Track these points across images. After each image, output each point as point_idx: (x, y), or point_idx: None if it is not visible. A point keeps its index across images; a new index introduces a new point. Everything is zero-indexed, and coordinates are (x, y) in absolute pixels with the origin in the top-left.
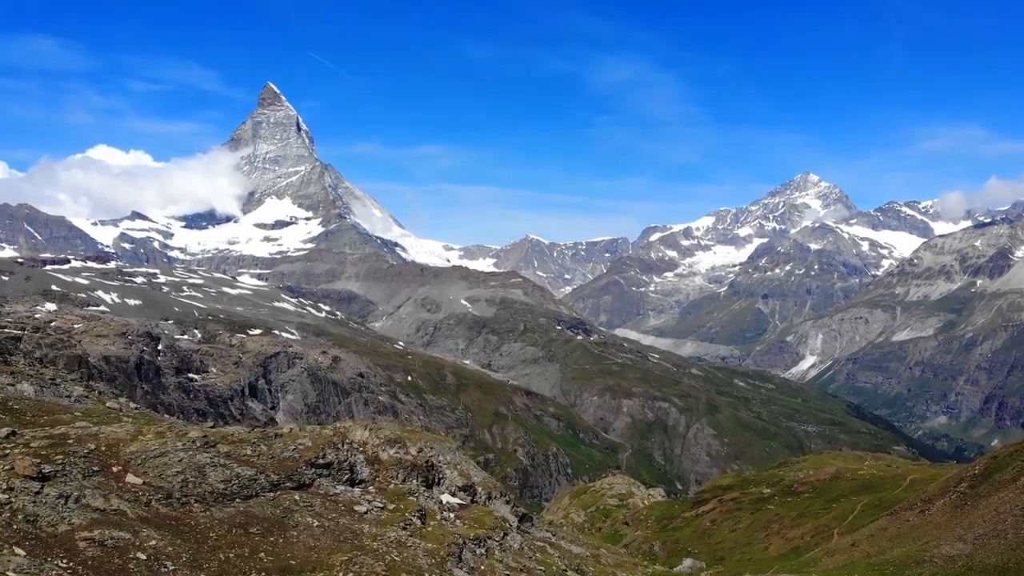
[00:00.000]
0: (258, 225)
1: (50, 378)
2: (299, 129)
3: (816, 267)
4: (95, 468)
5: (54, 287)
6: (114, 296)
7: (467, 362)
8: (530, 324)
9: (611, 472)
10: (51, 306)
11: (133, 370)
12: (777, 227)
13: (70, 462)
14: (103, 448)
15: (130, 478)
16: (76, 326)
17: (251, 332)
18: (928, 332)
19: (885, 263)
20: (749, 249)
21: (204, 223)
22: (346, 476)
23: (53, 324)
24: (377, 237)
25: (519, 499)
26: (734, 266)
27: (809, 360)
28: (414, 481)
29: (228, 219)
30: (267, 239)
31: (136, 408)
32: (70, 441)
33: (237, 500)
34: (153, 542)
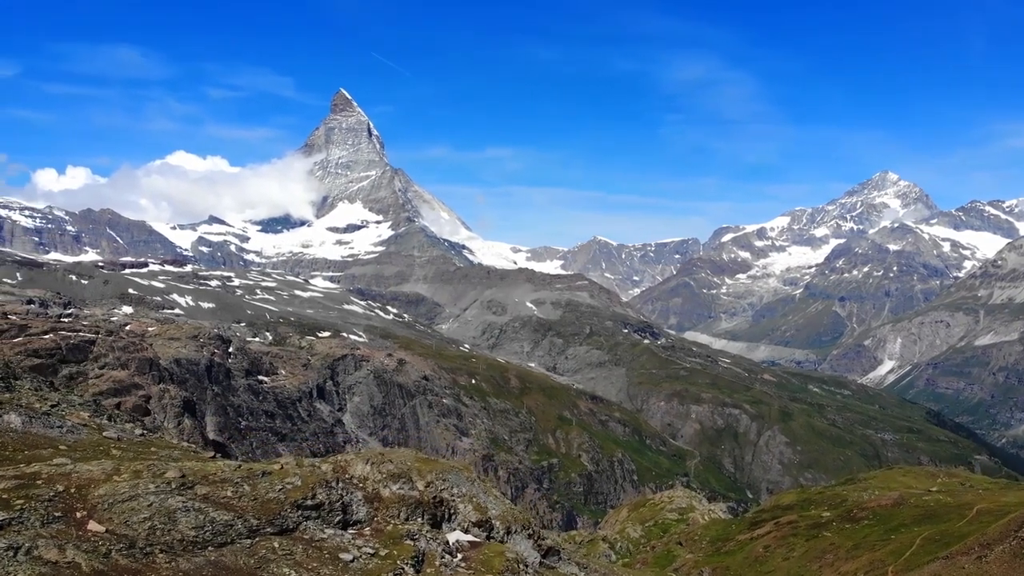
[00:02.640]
0: (331, 229)
1: (52, 404)
2: (370, 134)
3: (895, 269)
4: (57, 514)
5: (131, 290)
6: (188, 299)
7: (532, 365)
8: (596, 327)
9: (678, 479)
10: (127, 309)
11: (203, 372)
12: (855, 227)
13: (31, 507)
14: (72, 490)
15: (92, 525)
16: (150, 329)
17: (320, 335)
18: (1013, 336)
19: (967, 264)
20: (825, 250)
21: (279, 227)
22: (338, 518)
23: (127, 327)
24: (445, 240)
25: (584, 505)
26: (810, 267)
27: (887, 365)
28: (419, 520)
29: (302, 223)
30: (339, 242)
31: (142, 435)
32: (39, 482)
33: (209, 549)
34: None
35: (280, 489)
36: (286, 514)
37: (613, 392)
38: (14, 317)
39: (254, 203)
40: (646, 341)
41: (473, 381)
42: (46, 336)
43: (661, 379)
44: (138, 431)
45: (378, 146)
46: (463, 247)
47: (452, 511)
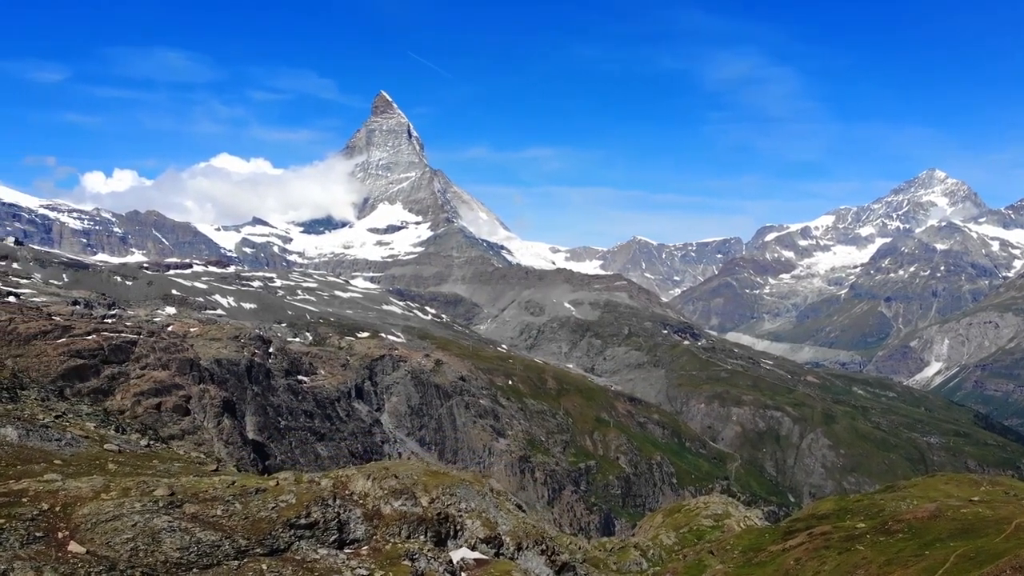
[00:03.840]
0: (371, 230)
1: (57, 415)
2: (410, 136)
3: (942, 268)
4: (38, 534)
5: (174, 291)
6: (231, 300)
7: (570, 366)
8: (635, 328)
9: (718, 483)
10: (171, 310)
11: (244, 372)
12: (901, 226)
13: (12, 527)
14: (57, 509)
15: (73, 546)
16: (192, 330)
17: (359, 335)
18: None
19: (1017, 264)
20: (871, 249)
21: (321, 228)
22: (333, 537)
23: (170, 328)
24: (483, 240)
25: (621, 507)
26: (855, 267)
27: (934, 367)
28: (421, 537)
29: (343, 224)
30: (379, 243)
31: (147, 446)
32: (25, 500)
33: (193, 571)
34: None
35: (273, 507)
36: (277, 533)
37: (652, 394)
38: (58, 318)
39: (297, 205)
40: (686, 342)
41: (510, 382)
42: (89, 337)
43: (701, 381)
44: (143, 442)
45: (418, 147)
46: (501, 247)
47: (458, 527)
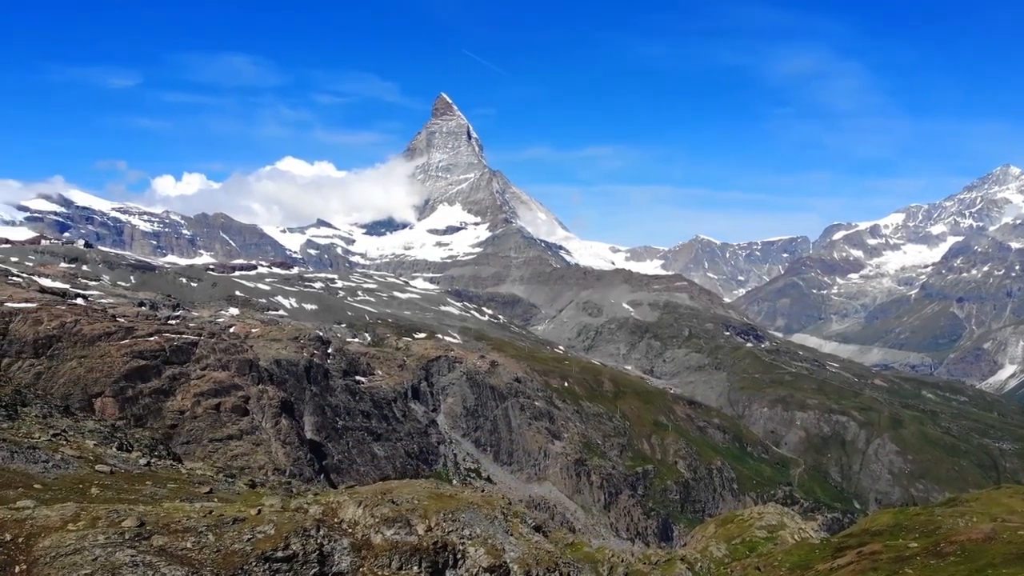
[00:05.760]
0: (431, 231)
1: (55, 433)
2: (469, 137)
3: (1017, 267)
4: None
5: (238, 292)
6: (292, 301)
7: (628, 368)
8: (695, 330)
9: (781, 488)
10: (234, 311)
11: (303, 373)
12: (974, 224)
13: None
14: (20, 540)
15: None
16: (254, 330)
17: (416, 336)
18: None
19: None
20: (943, 248)
21: (383, 230)
22: (313, 570)
23: (232, 329)
24: (541, 240)
25: (680, 513)
26: (926, 267)
27: (1008, 369)
28: (414, 568)
29: (404, 225)
30: (439, 244)
31: (146, 464)
32: None
33: None
34: None
35: (249, 539)
36: (250, 567)
37: (713, 397)
38: (122, 320)
39: (359, 206)
40: (749, 344)
41: (566, 384)
42: (151, 338)
43: (764, 384)
44: (143, 460)
45: (477, 149)
46: (560, 247)
47: (458, 555)
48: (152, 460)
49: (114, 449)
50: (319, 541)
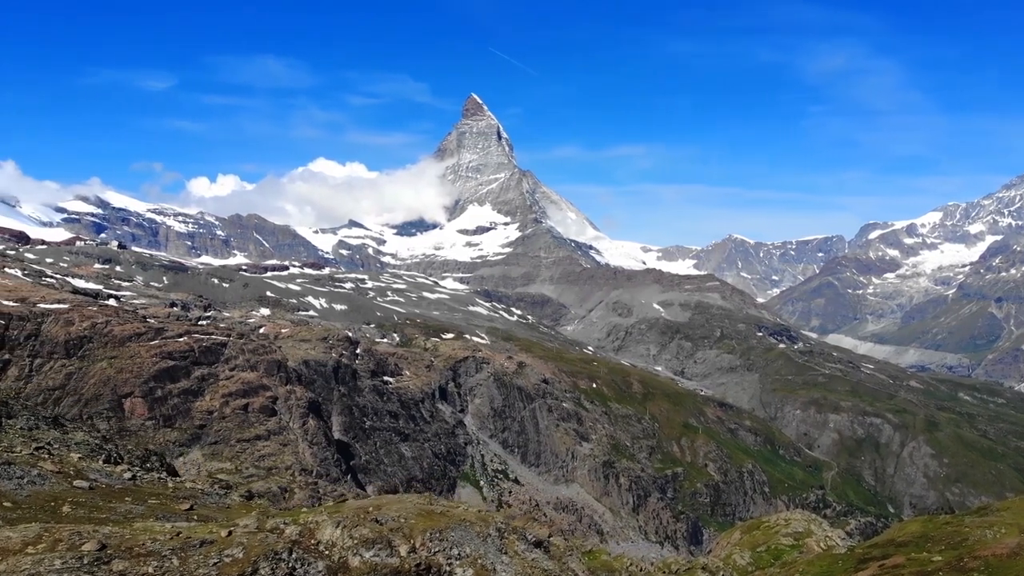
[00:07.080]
0: (461, 231)
1: (38, 446)
2: (499, 138)
3: None
4: None
5: (269, 293)
6: (323, 301)
7: (658, 368)
8: (727, 330)
9: (813, 492)
10: (265, 311)
11: (331, 373)
12: (1013, 223)
13: None
14: None
15: None
16: (283, 331)
17: (444, 336)
18: None
19: None
20: (981, 247)
21: (413, 230)
22: None
23: (262, 329)
24: (571, 240)
25: (710, 516)
26: (964, 266)
27: None
28: None
29: (434, 226)
30: (469, 244)
31: (131, 478)
32: None
33: None
34: None
35: (215, 563)
36: None
37: (744, 399)
38: (152, 320)
39: (391, 207)
40: (782, 345)
41: (594, 385)
42: (180, 339)
43: (797, 386)
44: (128, 475)
45: (507, 149)
46: (590, 247)
47: None
48: (139, 474)
49: (100, 463)
50: (291, 565)
